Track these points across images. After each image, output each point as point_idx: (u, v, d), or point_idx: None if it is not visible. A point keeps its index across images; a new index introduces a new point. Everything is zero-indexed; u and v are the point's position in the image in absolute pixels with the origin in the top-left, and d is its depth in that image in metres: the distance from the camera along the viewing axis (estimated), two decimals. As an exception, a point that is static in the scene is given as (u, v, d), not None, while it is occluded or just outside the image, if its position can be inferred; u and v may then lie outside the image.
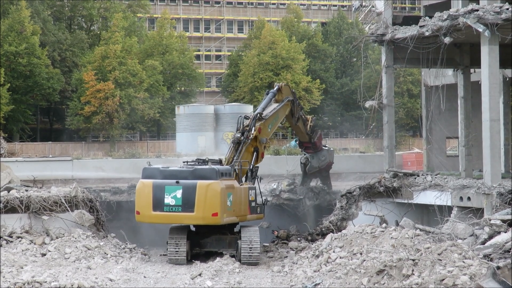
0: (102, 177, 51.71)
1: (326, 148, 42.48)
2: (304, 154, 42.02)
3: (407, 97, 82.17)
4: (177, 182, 30.67)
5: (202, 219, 30.74)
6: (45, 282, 24.77)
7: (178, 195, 30.63)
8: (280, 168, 47.20)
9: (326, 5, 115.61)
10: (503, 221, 27.04)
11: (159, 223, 32.62)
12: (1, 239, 31.67)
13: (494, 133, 35.10)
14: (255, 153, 33.95)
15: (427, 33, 37.29)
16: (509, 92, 46.38)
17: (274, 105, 36.05)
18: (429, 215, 36.86)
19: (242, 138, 33.57)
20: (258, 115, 34.36)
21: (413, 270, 22.65)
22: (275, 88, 36.63)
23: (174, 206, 30.64)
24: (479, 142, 37.66)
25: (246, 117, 34.42)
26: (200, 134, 68.77)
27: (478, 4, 35.77)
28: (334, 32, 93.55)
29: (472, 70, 42.40)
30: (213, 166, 31.31)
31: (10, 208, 32.97)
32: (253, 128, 33.73)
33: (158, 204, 30.76)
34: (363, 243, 27.43)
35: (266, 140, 34.52)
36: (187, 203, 30.56)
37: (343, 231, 30.26)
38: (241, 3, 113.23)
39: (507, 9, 34.27)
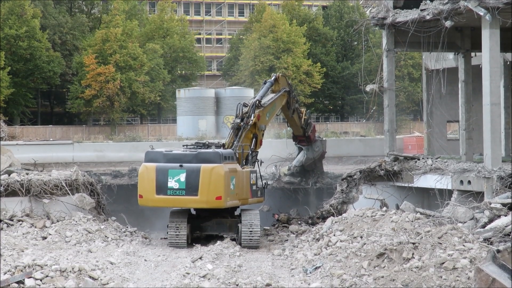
0: (102, 160, 51.80)
1: (319, 138, 42.89)
2: (294, 166, 42.95)
3: (408, 81, 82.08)
4: (181, 166, 30.62)
5: (206, 203, 30.68)
6: (46, 265, 24.76)
7: (181, 179, 30.52)
8: (281, 151, 47.24)
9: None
10: (503, 204, 27.06)
11: (162, 207, 32.64)
12: (2, 222, 31.70)
13: (494, 117, 35.06)
14: (254, 139, 34.04)
15: (428, 17, 37.16)
16: (509, 76, 46.31)
17: (271, 95, 36.13)
18: (429, 198, 36.87)
19: (241, 124, 33.60)
20: (257, 102, 34.37)
21: (413, 254, 22.70)
22: (272, 78, 36.70)
23: (178, 190, 30.54)
24: (479, 126, 37.65)
25: (245, 105, 34.40)
26: (201, 117, 68.86)
27: (479, -13, 35.64)
28: (335, 16, 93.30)
29: (473, 54, 42.35)
30: (216, 150, 31.26)
31: (10, 192, 32.93)
32: (253, 114, 33.77)
33: (162, 188, 30.64)
34: (363, 227, 27.47)
35: (264, 127, 34.60)
36: (191, 187, 30.43)
37: (344, 215, 30.30)
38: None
39: (508, -8, 34.19)
